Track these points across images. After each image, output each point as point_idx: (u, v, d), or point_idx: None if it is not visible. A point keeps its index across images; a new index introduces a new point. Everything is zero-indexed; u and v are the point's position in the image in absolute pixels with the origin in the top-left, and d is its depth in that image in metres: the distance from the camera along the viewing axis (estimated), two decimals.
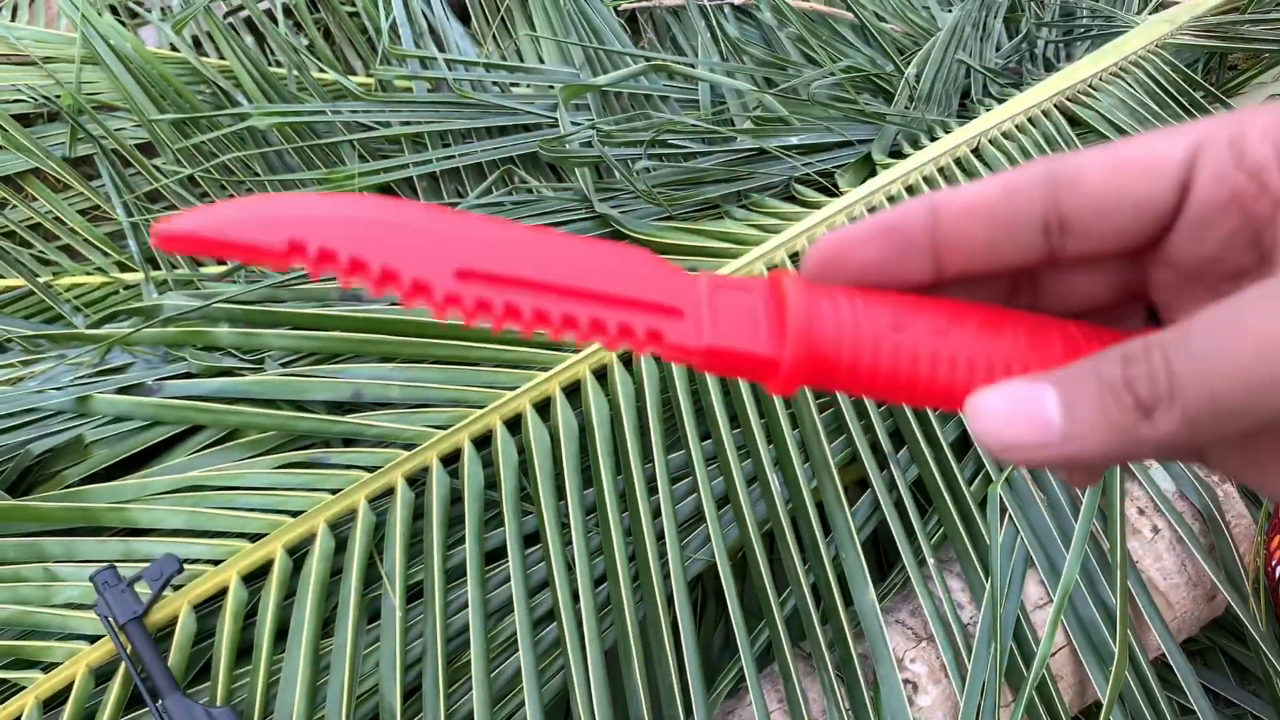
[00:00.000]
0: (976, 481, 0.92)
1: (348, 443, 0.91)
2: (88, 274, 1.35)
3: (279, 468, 0.90)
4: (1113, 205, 0.25)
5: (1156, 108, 1.17)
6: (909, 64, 1.29)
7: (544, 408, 0.92)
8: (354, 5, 1.60)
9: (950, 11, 1.47)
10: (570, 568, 0.84)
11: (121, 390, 0.98)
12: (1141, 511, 0.91)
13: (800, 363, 0.25)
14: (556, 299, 0.24)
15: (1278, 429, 0.23)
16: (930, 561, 0.88)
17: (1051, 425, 0.24)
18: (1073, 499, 0.91)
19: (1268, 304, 0.21)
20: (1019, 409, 0.24)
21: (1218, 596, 0.90)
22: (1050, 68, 1.38)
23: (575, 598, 0.83)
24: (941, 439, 0.92)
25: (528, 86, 1.44)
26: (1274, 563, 0.92)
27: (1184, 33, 1.26)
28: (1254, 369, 0.21)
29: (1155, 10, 1.38)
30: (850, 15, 1.39)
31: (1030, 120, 1.14)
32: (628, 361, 0.94)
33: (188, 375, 0.99)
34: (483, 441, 0.90)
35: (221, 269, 1.31)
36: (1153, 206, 0.25)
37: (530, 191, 1.25)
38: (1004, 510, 0.90)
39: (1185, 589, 0.89)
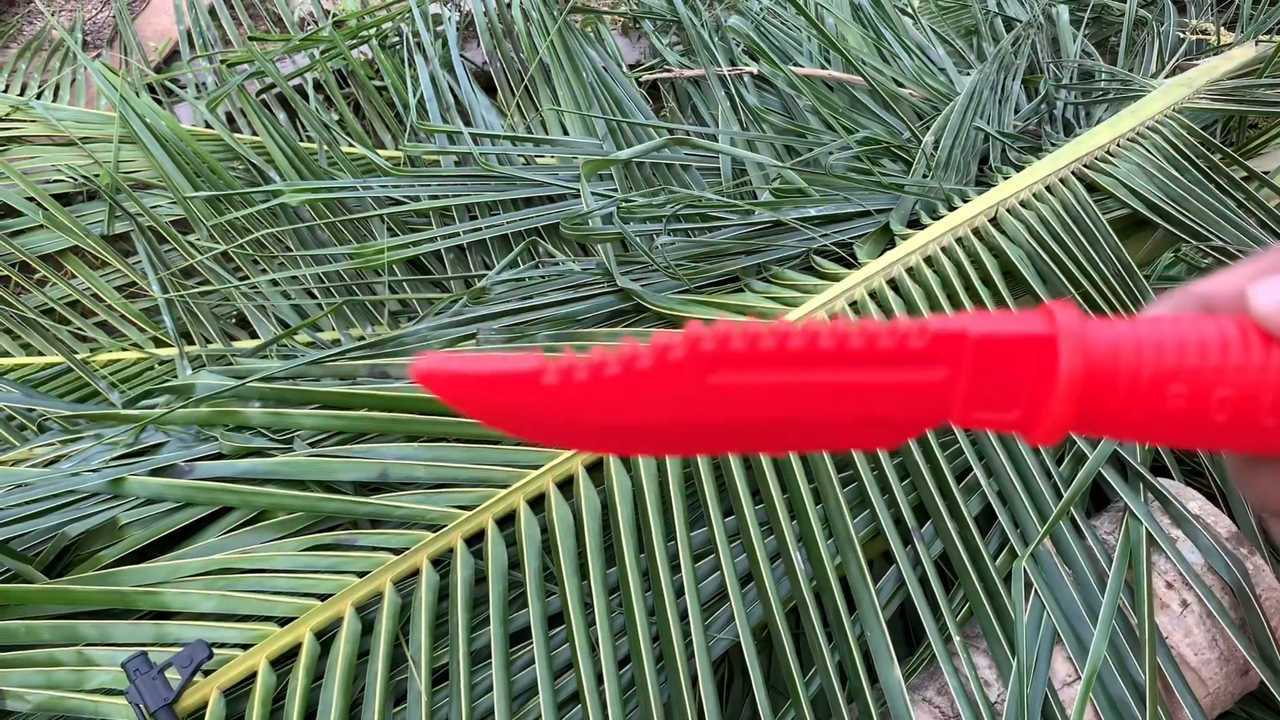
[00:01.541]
0: (1001, 556, 0.92)
1: (375, 523, 0.92)
2: (124, 350, 1.38)
3: (307, 549, 0.91)
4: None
5: (1175, 172, 1.17)
6: (927, 130, 1.30)
7: (567, 486, 0.93)
8: (382, 81, 1.65)
9: (968, 75, 1.48)
10: (594, 649, 0.84)
11: (154, 471, 1.00)
12: (1170, 585, 0.90)
13: (1061, 430, 0.25)
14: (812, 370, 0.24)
15: None
16: (956, 639, 0.87)
17: None
18: (1099, 573, 0.90)
19: None
20: None
21: (1251, 672, 0.88)
22: (1069, 129, 1.39)
23: (599, 680, 0.83)
24: (965, 512, 0.92)
25: (552, 157, 1.46)
26: None
27: (1201, 96, 1.27)
28: None
29: (1172, 74, 1.38)
30: (873, 80, 1.40)
31: (1048, 188, 1.14)
32: None
33: (219, 456, 1.01)
34: (506, 520, 0.91)
35: (254, 344, 1.34)
36: None
37: (555, 264, 1.27)
38: (1030, 585, 0.89)
39: (1217, 664, 0.88)
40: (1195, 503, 0.94)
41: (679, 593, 0.87)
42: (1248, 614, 0.89)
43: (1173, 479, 0.98)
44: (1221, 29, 1.58)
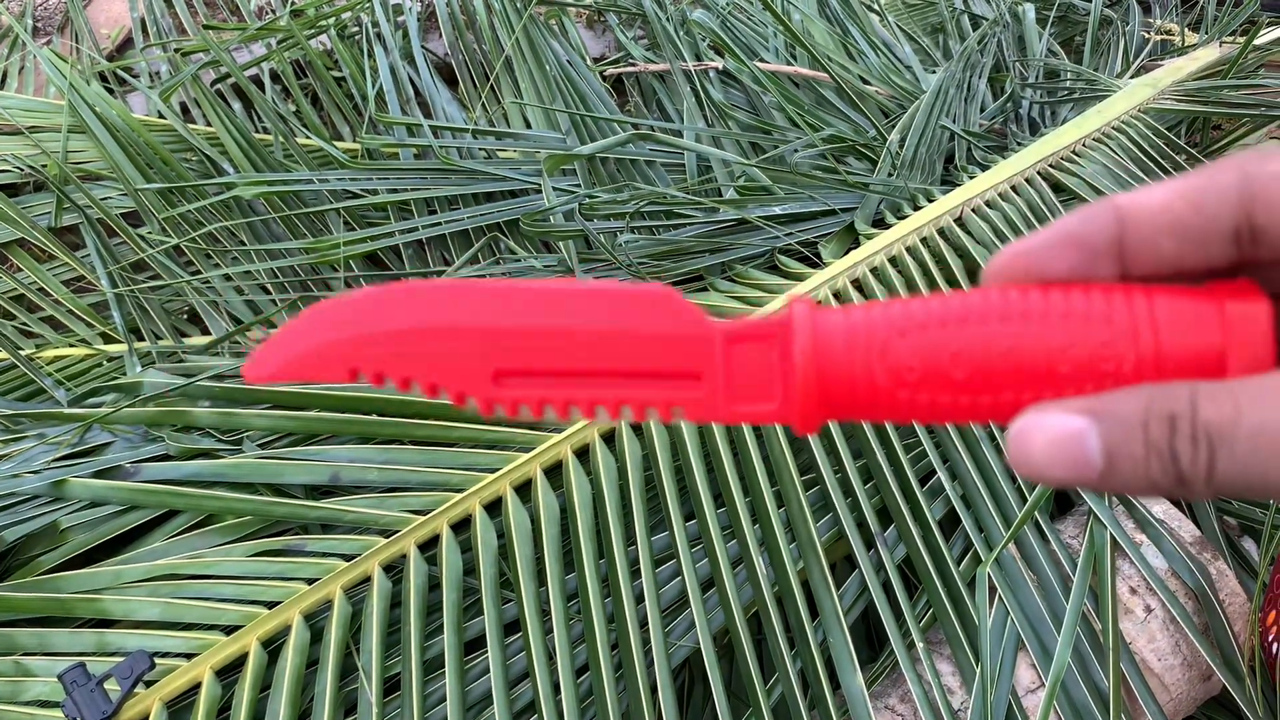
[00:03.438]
0: (965, 561, 0.91)
1: (326, 528, 0.90)
2: (71, 346, 1.34)
3: (255, 555, 0.88)
4: (1176, 229, 0.25)
5: (1140, 172, 1.17)
6: (893, 128, 1.29)
7: (524, 489, 0.90)
8: (341, 71, 1.61)
9: (934, 73, 1.47)
10: (551, 657, 0.82)
11: (99, 473, 0.97)
12: (1134, 591, 0.89)
13: (812, 414, 0.26)
14: (584, 386, 0.26)
15: None
16: (919, 645, 0.86)
17: (1091, 466, 0.25)
18: (1063, 578, 0.89)
19: None
20: (1061, 447, 0.25)
21: (1213, 677, 0.88)
22: (1035, 128, 1.38)
23: (556, 689, 0.81)
24: (929, 516, 0.91)
25: (515, 151, 1.44)
26: (1270, 639, 0.90)
27: (1166, 97, 1.26)
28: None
29: (1138, 74, 1.38)
30: (839, 77, 1.39)
31: (1014, 188, 1.13)
32: (610, 439, 0.93)
33: (166, 457, 0.98)
34: (462, 525, 0.89)
35: (206, 340, 1.30)
36: (1217, 232, 0.25)
37: (516, 259, 1.25)
38: (994, 590, 0.88)
39: (1180, 670, 0.87)
40: (1159, 507, 0.94)
41: (639, 599, 0.85)
42: (1210, 619, 0.88)
43: None
44: (1186, 30, 1.59)
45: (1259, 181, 0.25)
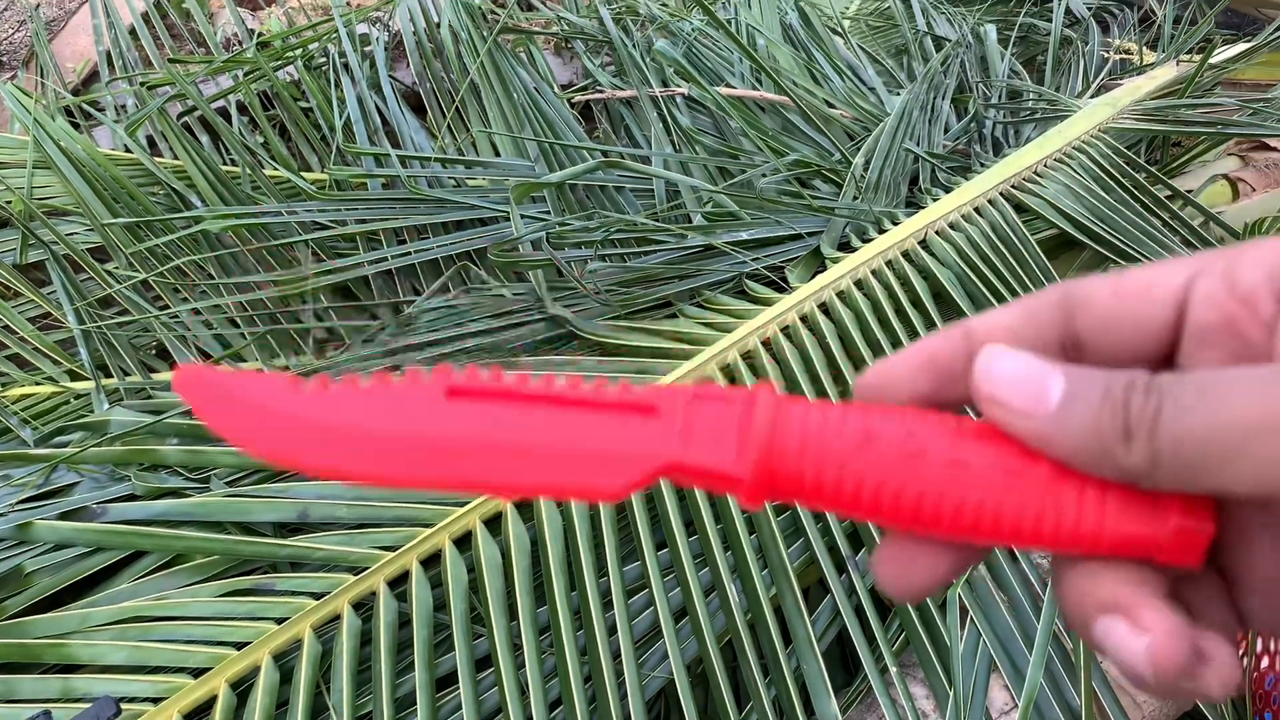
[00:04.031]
0: None
1: (295, 566, 0.89)
2: (38, 384, 1.33)
3: (224, 595, 0.88)
4: (1116, 326, 0.27)
5: (1102, 192, 1.18)
6: (859, 150, 1.30)
7: (494, 522, 0.90)
8: (308, 102, 1.61)
9: (898, 95, 1.49)
10: (524, 692, 0.82)
11: (64, 515, 0.96)
12: None
13: (760, 485, 0.26)
14: (539, 406, 0.27)
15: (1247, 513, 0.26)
16: (893, 669, 0.86)
17: (1046, 403, 0.26)
18: (1034, 598, 0.89)
19: (1255, 389, 0.23)
20: (1026, 377, 0.26)
21: None
22: (998, 148, 1.40)
23: None
24: None
25: (484, 179, 1.44)
26: (1241, 652, 0.91)
27: (1125, 116, 1.28)
28: (1220, 441, 0.23)
29: (1098, 93, 1.40)
30: (802, 102, 1.40)
31: (977, 210, 1.14)
32: None
33: (132, 497, 0.97)
34: (431, 561, 0.88)
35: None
36: (1153, 327, 0.27)
37: (486, 288, 1.25)
38: (966, 612, 0.89)
39: None
40: None
41: (612, 630, 0.85)
42: None
43: None
44: (1144, 48, 1.61)
45: (1077, 297, 0.28)
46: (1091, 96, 1.38)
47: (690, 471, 0.26)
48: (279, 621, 0.84)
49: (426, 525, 0.89)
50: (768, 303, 1.06)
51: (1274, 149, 1.34)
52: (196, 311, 1.34)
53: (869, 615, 0.88)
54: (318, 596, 0.86)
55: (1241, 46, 1.46)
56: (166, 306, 1.36)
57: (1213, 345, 0.26)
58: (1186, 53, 1.51)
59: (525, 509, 0.91)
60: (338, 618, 0.85)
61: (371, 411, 0.26)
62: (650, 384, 0.26)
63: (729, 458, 0.26)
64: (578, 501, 0.91)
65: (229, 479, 0.97)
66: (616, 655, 0.84)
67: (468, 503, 0.90)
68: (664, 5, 1.66)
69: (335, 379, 0.27)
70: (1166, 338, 0.27)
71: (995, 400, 0.27)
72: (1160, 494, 0.26)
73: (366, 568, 0.87)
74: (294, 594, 0.86)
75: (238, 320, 1.34)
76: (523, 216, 1.26)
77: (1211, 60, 1.38)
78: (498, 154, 1.51)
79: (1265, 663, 0.88)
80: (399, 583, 0.87)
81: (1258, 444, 0.23)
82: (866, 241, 1.11)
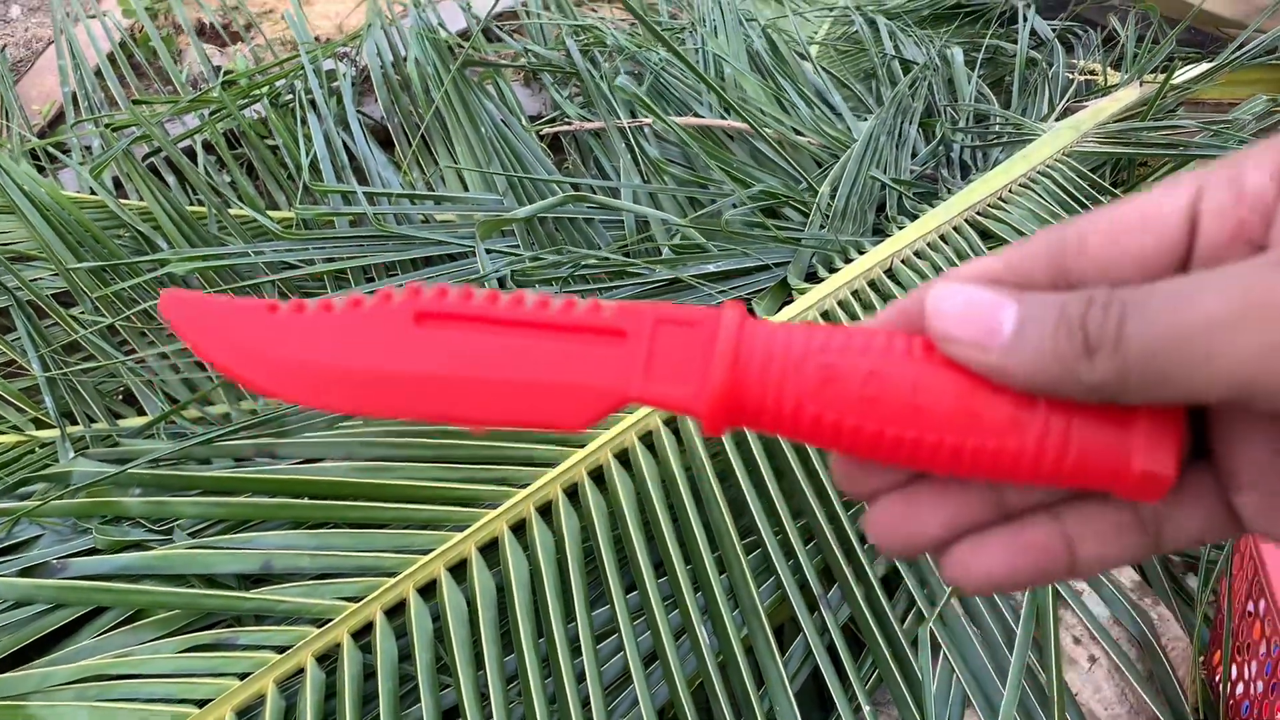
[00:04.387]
0: (909, 619, 0.90)
1: (259, 619, 0.88)
2: (2, 433, 1.31)
3: (186, 650, 0.86)
4: (1116, 265, 0.26)
5: (1067, 216, 1.18)
6: (825, 178, 1.30)
7: (459, 569, 0.89)
8: (275, 140, 1.60)
9: (866, 120, 1.49)
10: None
11: (25, 571, 0.94)
12: (1078, 641, 0.89)
13: (719, 418, 0.26)
14: (507, 331, 0.26)
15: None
16: (866, 707, 0.85)
17: (999, 334, 0.25)
18: (1007, 632, 0.89)
19: (1226, 287, 0.22)
20: (977, 310, 0.25)
21: None
22: (966, 171, 1.40)
23: None
24: (871, 575, 0.90)
25: (453, 214, 1.43)
26: (1216, 679, 0.90)
27: (1089, 139, 1.29)
28: (1190, 341, 0.22)
29: (1064, 115, 1.41)
30: (767, 131, 1.40)
31: (943, 237, 1.14)
32: (545, 512, 0.92)
33: (94, 551, 0.95)
34: (396, 610, 0.87)
35: (142, 421, 1.28)
36: (1158, 259, 0.25)
37: None
38: (938, 648, 0.88)
39: (1127, 718, 0.87)
40: None
41: (580, 678, 0.84)
42: (1154, 666, 0.88)
43: None
44: (1108, 69, 1.62)
45: (1068, 241, 0.26)
46: (1057, 119, 1.38)
47: (650, 403, 0.26)
48: (241, 677, 0.83)
49: (390, 574, 0.87)
50: None
51: None
52: (164, 355, 1.32)
53: (841, 653, 0.87)
54: (281, 650, 0.84)
55: (1203, 67, 1.47)
56: (133, 351, 1.35)
57: (1228, 262, 0.24)
58: (1150, 72, 1.52)
59: (490, 553, 0.90)
60: (301, 671, 0.83)
61: (340, 341, 0.26)
62: (621, 302, 0.27)
63: (689, 391, 0.26)
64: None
65: (192, 530, 0.96)
66: (586, 702, 0.83)
67: (431, 550, 0.89)
68: (631, 35, 1.66)
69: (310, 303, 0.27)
70: (1173, 266, 0.25)
71: (948, 337, 0.26)
72: (1125, 428, 0.25)
73: (330, 619, 0.85)
74: (257, 648, 0.85)
75: (205, 364, 1.32)
76: (492, 251, 1.26)
77: (1174, 81, 1.39)
78: (466, 188, 1.50)
79: (1241, 689, 0.88)
80: (364, 634, 0.86)
81: (1229, 339, 0.22)
82: (834, 271, 1.11)
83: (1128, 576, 0.92)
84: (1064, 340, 0.24)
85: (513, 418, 0.26)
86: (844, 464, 0.29)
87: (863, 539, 0.93)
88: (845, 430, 0.26)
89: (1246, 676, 0.86)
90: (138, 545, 0.95)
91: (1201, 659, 0.92)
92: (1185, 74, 1.45)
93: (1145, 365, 0.23)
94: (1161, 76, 1.39)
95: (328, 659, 0.85)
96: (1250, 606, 0.86)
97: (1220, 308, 0.22)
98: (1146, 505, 0.27)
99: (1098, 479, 0.26)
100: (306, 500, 0.93)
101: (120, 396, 1.34)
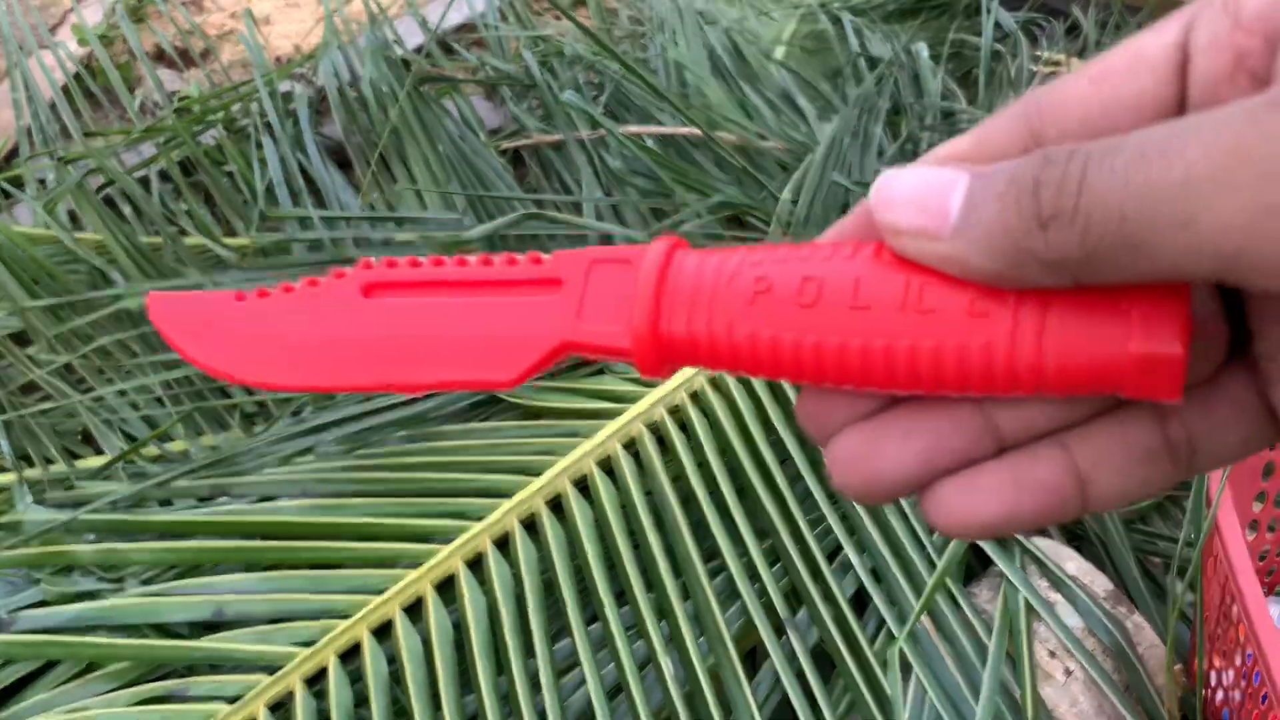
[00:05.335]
0: (880, 639, 0.88)
1: (212, 667, 0.85)
2: None
3: (138, 703, 0.84)
4: (1101, 122, 0.22)
5: None
6: (788, 184, 1.28)
7: (415, 609, 0.87)
8: (231, 166, 1.58)
9: (830, 122, 1.47)
10: None
11: None
12: (1052, 654, 0.87)
13: (650, 355, 0.24)
14: (449, 292, 0.26)
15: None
16: None
17: (947, 215, 0.21)
18: (980, 647, 0.87)
19: (1212, 135, 0.18)
20: (923, 192, 0.22)
21: None
22: None
23: None
24: (839, 595, 0.88)
25: (413, 235, 1.41)
26: (1212, 686, 0.88)
27: None
28: (1170, 206, 0.18)
29: None
30: (728, 138, 1.38)
31: None
32: (503, 545, 0.90)
33: (44, 603, 0.93)
34: (351, 654, 0.85)
35: (100, 461, 1.25)
36: (1150, 103, 0.21)
37: None
38: (909, 668, 0.86)
39: None
40: (1073, 563, 0.92)
41: (542, 716, 0.82)
42: (1131, 676, 0.86)
43: (1050, 539, 0.96)
44: (1072, 59, 1.60)
45: (1045, 103, 0.23)
46: None
47: (583, 349, 0.25)
48: None
49: (343, 616, 0.85)
50: None
51: None
52: (122, 392, 1.30)
53: (810, 678, 0.85)
54: (232, 700, 0.82)
55: None
56: (91, 389, 1.32)
57: (1225, 97, 0.20)
58: None
59: (447, 591, 0.87)
60: None
61: (294, 318, 0.27)
62: (560, 251, 0.26)
63: (618, 329, 0.25)
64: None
65: (144, 577, 0.94)
66: None
67: (385, 589, 0.86)
68: (589, 45, 1.63)
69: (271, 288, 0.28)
70: (1166, 112, 0.21)
71: (894, 228, 0.22)
72: (1115, 311, 0.21)
73: (282, 666, 0.83)
74: (209, 699, 0.83)
75: (164, 399, 1.30)
76: None
77: None
78: (425, 207, 1.48)
79: (1220, 696, 0.86)
80: (317, 680, 0.83)
81: (1211, 199, 0.18)
82: None
83: (1101, 585, 0.90)
84: (1013, 209, 0.20)
85: (450, 377, 0.26)
86: (805, 400, 0.25)
87: (830, 557, 0.91)
88: (785, 349, 0.23)
89: (1225, 684, 0.84)
90: (89, 595, 0.93)
91: (1179, 667, 0.90)
92: None
93: (1112, 233, 0.19)
94: None
95: (280, 707, 0.82)
96: (1225, 610, 0.84)
97: (1202, 160, 0.18)
98: (1176, 423, 0.23)
99: (1090, 376, 0.21)
100: (259, 541, 0.91)
101: (79, 436, 1.32)
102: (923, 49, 1.65)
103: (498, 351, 0.25)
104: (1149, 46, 0.22)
